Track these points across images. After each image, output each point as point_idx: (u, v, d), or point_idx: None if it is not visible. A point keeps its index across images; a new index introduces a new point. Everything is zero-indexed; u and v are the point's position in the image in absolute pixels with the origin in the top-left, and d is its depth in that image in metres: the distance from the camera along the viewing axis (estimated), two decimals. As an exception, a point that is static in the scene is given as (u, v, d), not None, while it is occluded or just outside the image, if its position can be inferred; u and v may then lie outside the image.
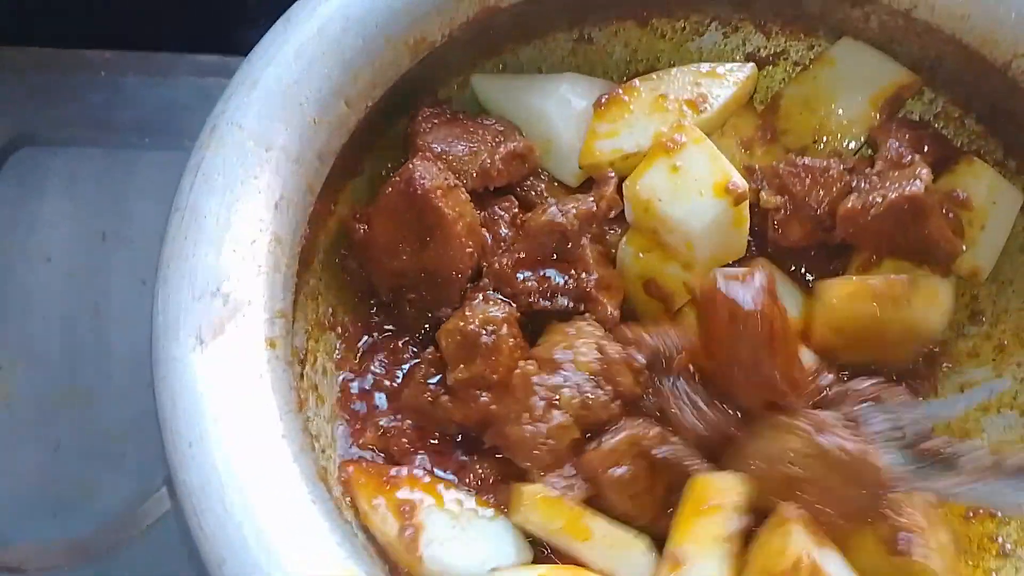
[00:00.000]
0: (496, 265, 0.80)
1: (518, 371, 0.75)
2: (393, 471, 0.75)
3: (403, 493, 0.74)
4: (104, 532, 0.95)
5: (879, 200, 0.79)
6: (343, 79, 0.75)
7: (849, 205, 0.81)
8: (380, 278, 0.82)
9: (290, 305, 0.72)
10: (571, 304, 0.80)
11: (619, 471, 0.72)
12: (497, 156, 0.83)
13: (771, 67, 0.94)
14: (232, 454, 0.64)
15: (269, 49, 0.73)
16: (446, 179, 0.79)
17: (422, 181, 0.77)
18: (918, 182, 0.79)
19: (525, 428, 0.73)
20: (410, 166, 0.78)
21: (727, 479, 0.71)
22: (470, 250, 0.79)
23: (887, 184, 0.81)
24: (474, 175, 0.82)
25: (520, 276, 0.79)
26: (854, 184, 0.83)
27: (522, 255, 0.80)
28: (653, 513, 0.74)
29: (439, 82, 0.85)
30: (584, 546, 0.72)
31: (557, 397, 0.74)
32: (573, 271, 0.81)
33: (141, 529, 0.96)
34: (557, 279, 0.80)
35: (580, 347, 0.76)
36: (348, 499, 0.74)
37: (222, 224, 0.68)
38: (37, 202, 1.05)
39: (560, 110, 0.87)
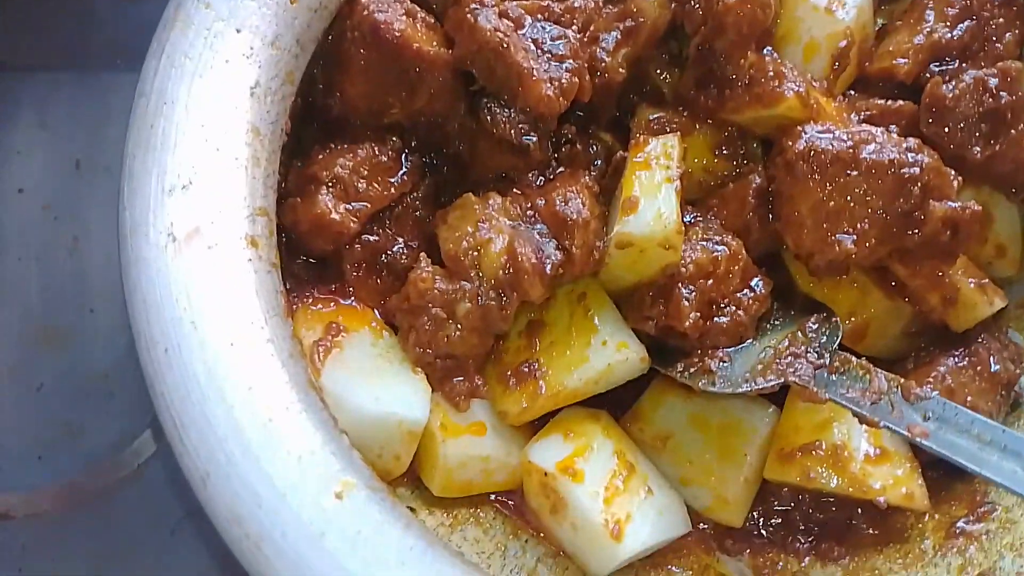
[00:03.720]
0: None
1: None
2: (349, 301, 0.72)
3: (343, 318, 0.70)
4: (91, 475, 0.92)
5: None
6: (323, -47, 0.68)
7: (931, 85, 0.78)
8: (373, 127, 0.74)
9: (273, 203, 0.66)
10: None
11: None
12: None
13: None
14: (213, 361, 0.58)
15: (238, -81, 0.66)
16: (404, 7, 0.71)
17: (388, 23, 0.69)
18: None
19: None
20: (361, 7, 0.69)
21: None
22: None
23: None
24: None
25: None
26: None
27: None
28: None
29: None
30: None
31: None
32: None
33: (129, 471, 0.92)
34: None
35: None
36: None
37: (192, 112, 0.62)
38: (7, 131, 1.00)
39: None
